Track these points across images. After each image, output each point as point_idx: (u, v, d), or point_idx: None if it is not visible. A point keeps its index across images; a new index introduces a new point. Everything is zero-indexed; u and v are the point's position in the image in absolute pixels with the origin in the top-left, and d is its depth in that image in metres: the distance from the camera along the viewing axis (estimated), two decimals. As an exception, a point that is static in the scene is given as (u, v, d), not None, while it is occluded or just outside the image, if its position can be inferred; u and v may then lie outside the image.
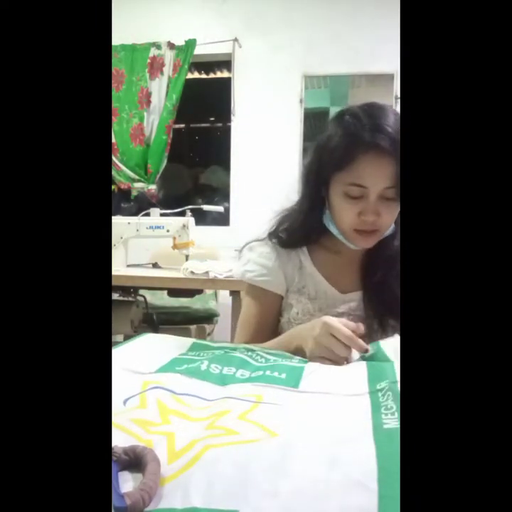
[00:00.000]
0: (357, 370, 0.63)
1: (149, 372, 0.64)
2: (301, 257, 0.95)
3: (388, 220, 0.84)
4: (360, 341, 0.69)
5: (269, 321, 0.95)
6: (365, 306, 0.90)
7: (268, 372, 0.63)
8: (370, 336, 0.85)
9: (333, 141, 0.83)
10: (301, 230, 0.93)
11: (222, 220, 3.22)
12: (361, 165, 0.80)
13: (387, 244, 0.89)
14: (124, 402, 0.55)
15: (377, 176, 0.80)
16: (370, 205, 0.81)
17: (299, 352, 0.74)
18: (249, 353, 0.72)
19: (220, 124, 3.91)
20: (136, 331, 2.05)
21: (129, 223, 2.01)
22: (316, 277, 0.93)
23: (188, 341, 0.77)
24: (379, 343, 0.69)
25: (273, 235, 0.96)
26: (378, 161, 0.79)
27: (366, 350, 0.68)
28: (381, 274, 0.89)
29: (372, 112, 0.82)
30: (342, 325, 0.70)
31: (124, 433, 0.47)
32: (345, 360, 0.70)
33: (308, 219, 0.91)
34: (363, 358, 0.68)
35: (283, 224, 0.95)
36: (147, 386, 0.58)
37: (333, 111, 1.25)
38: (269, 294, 0.95)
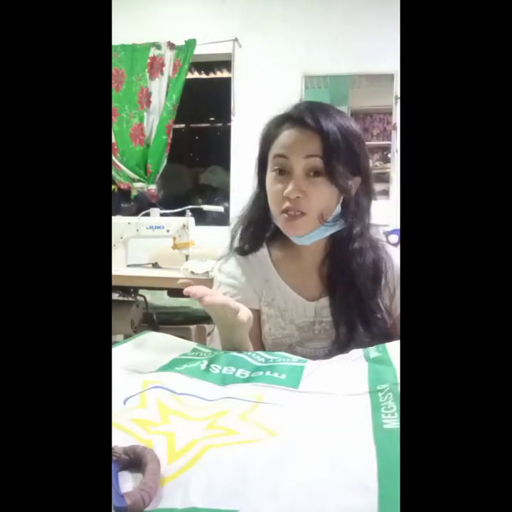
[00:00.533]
0: (357, 371, 0.63)
1: (149, 372, 0.64)
2: (266, 269, 0.91)
3: (316, 201, 0.81)
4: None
5: (251, 337, 0.90)
6: (332, 312, 0.87)
7: (268, 373, 0.63)
8: (341, 344, 0.83)
9: (269, 124, 0.88)
10: (252, 228, 0.92)
11: (222, 220, 3.22)
12: (285, 136, 0.82)
13: (340, 246, 0.86)
14: (124, 402, 0.55)
15: (298, 145, 0.80)
16: (294, 180, 0.80)
17: None
18: (249, 353, 0.72)
19: (220, 124, 3.91)
20: (136, 330, 2.05)
21: (129, 223, 2.01)
22: (283, 288, 0.90)
23: (188, 345, 0.77)
24: (385, 347, 0.68)
25: (231, 246, 0.94)
26: (301, 134, 0.80)
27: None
28: (344, 277, 0.86)
29: (312, 103, 0.86)
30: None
31: (124, 433, 0.47)
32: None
33: (257, 213, 0.90)
34: (367, 359, 0.67)
35: (239, 229, 0.93)
36: (147, 385, 0.58)
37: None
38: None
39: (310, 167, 0.80)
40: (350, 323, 0.85)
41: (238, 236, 0.93)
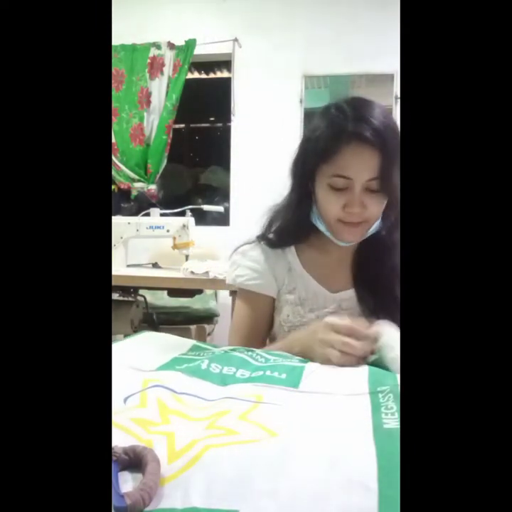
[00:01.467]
0: (357, 371, 0.63)
1: (150, 370, 0.64)
2: (289, 258, 0.94)
3: (374, 212, 0.83)
4: (363, 331, 0.68)
5: (261, 325, 0.95)
6: (359, 303, 0.90)
7: (268, 373, 0.63)
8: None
9: (317, 134, 0.84)
10: (289, 228, 0.93)
11: (222, 220, 3.22)
12: (345, 156, 0.80)
13: (376, 241, 0.89)
14: (125, 401, 0.55)
15: (360, 166, 0.80)
16: (355, 196, 0.81)
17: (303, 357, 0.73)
18: (249, 353, 0.72)
19: (220, 124, 3.91)
20: (136, 330, 2.05)
21: (129, 223, 2.01)
22: (305, 278, 0.93)
23: (188, 342, 0.77)
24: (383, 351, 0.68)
25: (262, 236, 0.96)
26: (361, 152, 0.79)
27: (375, 339, 0.67)
28: (372, 271, 0.89)
29: (357, 104, 0.83)
30: (342, 321, 0.70)
31: (124, 433, 0.47)
32: (358, 354, 0.67)
33: (296, 215, 0.91)
34: (368, 363, 0.67)
35: (273, 224, 0.95)
36: (148, 384, 0.58)
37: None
38: (260, 297, 0.94)
39: (371, 186, 0.81)
40: (376, 314, 0.86)
41: (271, 230, 0.95)
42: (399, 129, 0.83)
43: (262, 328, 0.95)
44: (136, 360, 0.68)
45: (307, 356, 0.72)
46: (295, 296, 0.92)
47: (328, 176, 0.82)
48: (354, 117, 0.80)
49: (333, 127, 0.82)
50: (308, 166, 0.86)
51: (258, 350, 0.73)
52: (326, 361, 0.67)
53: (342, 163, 0.80)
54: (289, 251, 0.94)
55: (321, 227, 0.88)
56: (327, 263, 0.93)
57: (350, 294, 0.91)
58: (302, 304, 0.92)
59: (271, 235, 0.95)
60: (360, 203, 0.81)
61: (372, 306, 0.88)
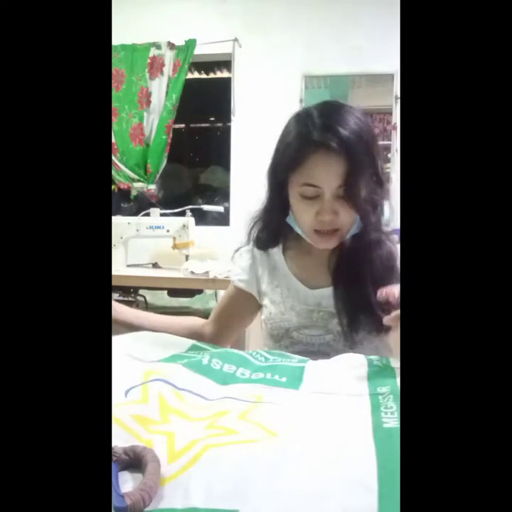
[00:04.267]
0: (357, 372, 0.63)
1: (151, 361, 0.64)
2: (276, 257, 0.98)
3: (347, 218, 0.83)
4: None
5: (233, 314, 1.01)
6: (335, 301, 0.90)
7: (269, 376, 0.63)
8: (342, 332, 0.87)
9: (286, 142, 0.85)
10: (269, 231, 0.96)
11: (222, 220, 3.22)
12: (312, 165, 0.80)
13: (356, 243, 0.89)
14: (126, 393, 0.55)
15: (328, 175, 0.80)
16: (325, 204, 0.81)
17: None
18: (250, 352, 0.72)
19: (220, 124, 3.91)
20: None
21: (129, 223, 2.01)
22: (287, 277, 0.95)
23: (187, 342, 0.77)
24: (389, 360, 0.67)
25: (250, 237, 0.99)
26: (328, 161, 0.79)
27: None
28: (351, 271, 0.89)
29: (326, 111, 0.83)
30: None
31: (124, 431, 0.47)
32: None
33: (274, 220, 0.93)
34: (368, 365, 0.66)
35: (256, 226, 0.98)
36: (149, 377, 0.58)
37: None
38: (242, 293, 1.00)
39: (341, 193, 0.81)
40: (352, 314, 0.87)
41: (255, 232, 0.98)
42: (372, 133, 0.83)
43: (233, 316, 1.02)
44: (137, 350, 0.68)
45: None
46: (277, 295, 0.95)
47: (299, 185, 0.83)
48: (321, 125, 0.80)
49: (300, 136, 0.82)
50: (279, 175, 0.87)
51: (257, 350, 0.74)
52: None
53: (309, 172, 0.81)
54: (276, 251, 0.98)
55: (298, 230, 0.90)
56: (308, 262, 0.95)
57: (329, 292, 0.91)
58: (284, 301, 0.94)
59: (257, 238, 0.98)
60: (331, 211, 0.82)
61: (348, 306, 0.88)
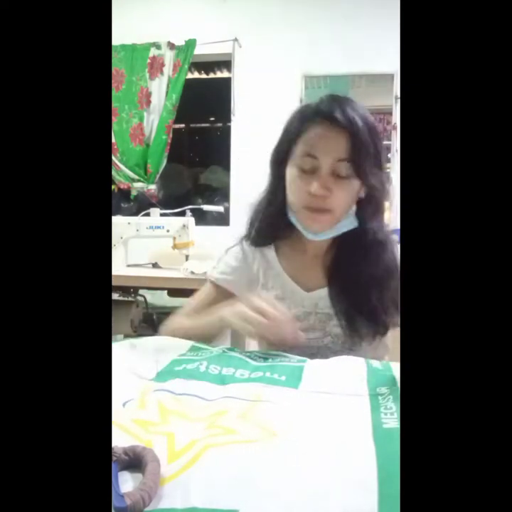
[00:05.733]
0: (357, 372, 0.63)
1: (150, 379, 0.63)
2: (269, 257, 0.94)
3: (341, 200, 0.81)
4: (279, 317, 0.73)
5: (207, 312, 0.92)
6: (331, 303, 0.88)
7: (268, 374, 0.63)
8: (342, 333, 0.85)
9: (291, 118, 0.85)
10: (267, 223, 0.92)
11: (222, 220, 3.22)
12: (313, 134, 0.80)
13: (351, 240, 0.86)
14: (123, 405, 0.55)
15: (328, 146, 0.79)
16: (320, 178, 0.79)
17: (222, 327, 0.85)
18: (248, 353, 0.72)
19: (220, 124, 3.91)
20: (136, 330, 2.06)
21: (129, 223, 2.01)
22: (282, 277, 0.92)
23: (186, 344, 0.77)
24: (389, 363, 0.67)
25: (245, 236, 0.96)
26: (330, 132, 0.78)
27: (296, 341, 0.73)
28: (347, 271, 0.86)
29: (335, 96, 0.83)
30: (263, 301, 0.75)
31: (124, 433, 0.47)
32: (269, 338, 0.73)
33: (273, 207, 0.89)
34: (368, 366, 0.66)
35: (254, 221, 0.94)
36: (147, 393, 0.58)
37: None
38: (221, 290, 0.96)
39: (339, 170, 0.79)
40: (349, 315, 0.85)
41: (251, 226, 0.95)
42: (377, 129, 0.83)
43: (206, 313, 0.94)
44: (135, 363, 0.67)
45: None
46: (271, 295, 0.90)
47: (297, 156, 0.81)
48: (326, 100, 0.81)
49: (305, 108, 0.83)
50: (281, 149, 0.86)
51: (256, 351, 0.73)
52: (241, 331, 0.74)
53: (310, 141, 0.80)
54: (269, 250, 0.94)
55: (293, 219, 0.87)
56: (303, 261, 0.92)
57: (326, 293, 0.89)
58: (279, 302, 0.89)
59: (251, 235, 0.95)
60: (324, 186, 0.79)
61: (344, 308, 0.86)
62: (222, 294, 0.95)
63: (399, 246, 0.93)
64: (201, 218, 2.75)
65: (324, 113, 0.79)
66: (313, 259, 0.91)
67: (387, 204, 0.90)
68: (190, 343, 0.77)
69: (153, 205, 2.34)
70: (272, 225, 0.92)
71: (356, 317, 0.85)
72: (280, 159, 0.86)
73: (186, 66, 3.14)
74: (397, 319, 0.88)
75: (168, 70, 3.17)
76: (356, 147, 0.78)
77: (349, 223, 0.85)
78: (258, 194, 0.94)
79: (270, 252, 0.94)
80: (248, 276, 0.95)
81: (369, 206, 0.84)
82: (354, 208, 0.85)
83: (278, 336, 0.74)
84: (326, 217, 0.82)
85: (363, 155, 0.78)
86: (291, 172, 0.83)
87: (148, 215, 2.17)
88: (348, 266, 0.87)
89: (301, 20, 3.06)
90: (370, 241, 0.86)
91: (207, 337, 0.84)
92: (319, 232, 0.85)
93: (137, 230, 2.00)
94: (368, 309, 0.84)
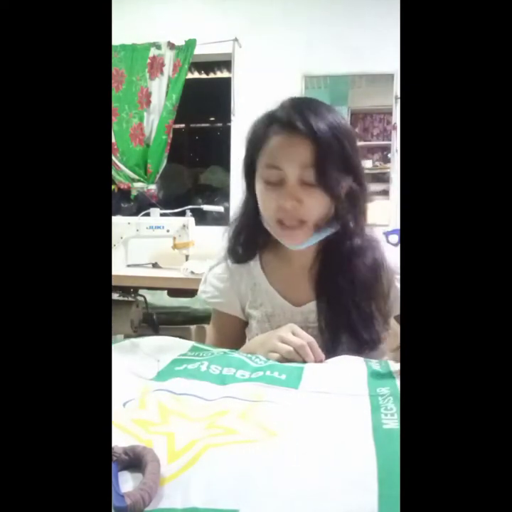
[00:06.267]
0: (357, 372, 0.63)
1: (150, 379, 0.63)
2: (255, 273, 0.90)
3: (314, 209, 0.77)
4: (309, 350, 0.70)
5: (229, 345, 0.86)
6: (318, 316, 0.84)
7: (268, 373, 0.63)
8: (325, 350, 0.77)
9: (252, 128, 0.82)
10: (247, 235, 0.89)
11: (222, 220, 3.22)
12: (275, 144, 0.76)
13: (334, 249, 0.82)
14: (124, 405, 0.55)
15: (290, 155, 0.75)
16: (288, 189, 0.75)
17: None
18: (249, 355, 0.72)
19: (220, 124, 3.91)
20: (136, 331, 2.05)
21: (129, 223, 2.01)
22: (270, 293, 0.88)
23: (187, 344, 0.77)
24: (388, 363, 0.66)
25: (229, 251, 0.92)
26: (292, 141, 0.74)
27: (320, 361, 0.70)
28: (333, 282, 0.82)
29: (299, 101, 0.80)
30: (292, 334, 0.73)
31: (124, 433, 0.47)
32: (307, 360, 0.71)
33: (250, 219, 0.86)
34: (367, 366, 0.66)
35: (234, 237, 0.91)
36: (147, 393, 0.58)
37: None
38: (224, 316, 0.93)
39: (307, 179, 0.75)
40: (335, 329, 0.82)
41: (232, 242, 0.91)
42: (349, 132, 0.78)
43: (230, 347, 0.85)
44: (135, 363, 0.67)
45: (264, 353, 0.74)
46: (261, 313, 0.89)
47: (263, 168, 0.78)
48: (289, 108, 0.77)
49: (267, 117, 0.80)
50: (247, 162, 0.83)
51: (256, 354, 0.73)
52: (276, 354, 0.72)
53: (272, 151, 0.76)
54: (255, 265, 0.90)
55: (269, 229, 0.83)
56: (290, 274, 0.88)
57: (314, 306, 0.85)
58: (269, 319, 0.88)
59: (233, 249, 0.91)
60: (293, 197, 0.75)
61: (330, 320, 0.82)
62: (224, 319, 0.93)
63: (389, 246, 0.90)
64: (201, 218, 2.75)
65: (283, 121, 0.76)
66: (301, 270, 0.87)
67: (368, 205, 0.85)
68: (191, 343, 0.77)
69: (153, 205, 2.34)
70: (252, 238, 0.88)
71: (340, 331, 0.81)
72: (247, 172, 0.83)
73: (186, 66, 3.13)
74: (386, 333, 0.85)
75: (168, 70, 3.16)
76: (320, 154, 0.73)
77: (330, 228, 0.81)
78: (236, 209, 0.90)
79: (256, 267, 0.90)
80: (238, 295, 0.92)
81: (342, 210, 0.80)
82: (333, 211, 0.80)
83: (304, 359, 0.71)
84: (301, 231, 0.79)
85: (327, 162, 0.74)
86: (258, 186, 0.80)
87: (148, 215, 2.17)
88: (331, 277, 0.83)
89: (301, 21, 3.06)
90: (348, 249, 0.82)
91: None
92: (298, 245, 0.81)
93: (137, 230, 2.00)
94: (350, 324, 0.80)
